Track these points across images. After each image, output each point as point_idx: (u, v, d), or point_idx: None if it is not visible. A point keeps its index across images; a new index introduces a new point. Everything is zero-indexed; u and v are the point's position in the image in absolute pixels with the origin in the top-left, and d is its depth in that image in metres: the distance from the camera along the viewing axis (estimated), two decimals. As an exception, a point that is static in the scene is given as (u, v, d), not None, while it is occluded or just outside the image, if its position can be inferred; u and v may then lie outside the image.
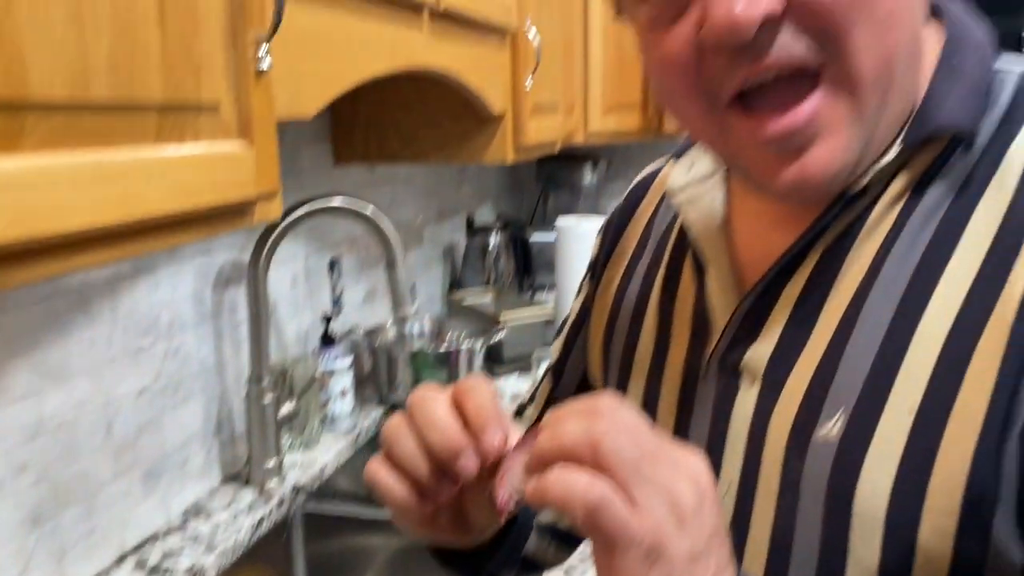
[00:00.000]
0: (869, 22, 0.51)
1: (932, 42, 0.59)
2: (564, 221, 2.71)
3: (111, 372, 1.24)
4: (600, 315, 0.79)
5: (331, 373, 1.72)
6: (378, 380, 1.90)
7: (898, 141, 0.57)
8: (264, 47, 0.80)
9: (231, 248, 1.51)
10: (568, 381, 0.86)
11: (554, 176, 3.43)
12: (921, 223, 0.56)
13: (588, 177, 3.40)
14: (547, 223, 3.04)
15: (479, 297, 2.50)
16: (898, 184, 0.58)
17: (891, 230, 0.57)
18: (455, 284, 2.70)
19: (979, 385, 0.51)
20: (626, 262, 0.78)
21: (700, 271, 0.68)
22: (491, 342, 2.01)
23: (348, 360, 1.76)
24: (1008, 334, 0.51)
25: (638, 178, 0.83)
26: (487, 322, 2.18)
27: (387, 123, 1.82)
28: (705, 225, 0.67)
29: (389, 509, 0.57)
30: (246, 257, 1.48)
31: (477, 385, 0.54)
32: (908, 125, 0.57)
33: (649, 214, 0.79)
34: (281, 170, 1.46)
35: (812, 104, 0.52)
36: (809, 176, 0.54)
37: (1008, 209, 0.54)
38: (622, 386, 0.74)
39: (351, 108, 1.81)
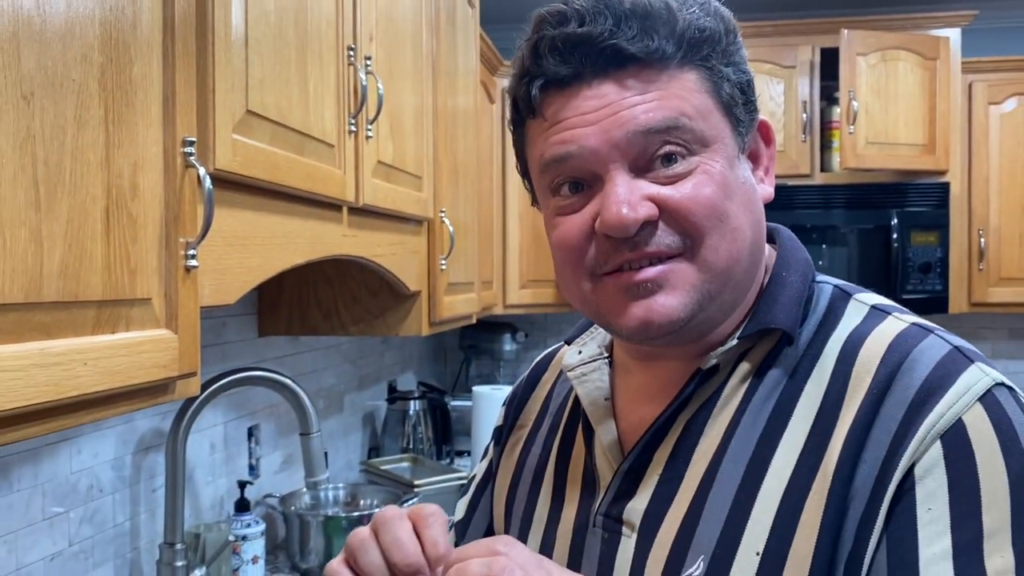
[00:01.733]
0: (720, 230, 0.69)
1: (767, 258, 0.77)
2: (480, 389, 2.85)
3: (27, 537, 1.29)
4: (505, 476, 0.91)
5: (244, 539, 1.77)
6: (290, 546, 1.95)
7: (737, 333, 0.73)
8: (193, 250, 0.94)
9: (153, 416, 1.60)
10: (473, 536, 0.96)
11: (476, 344, 3.59)
12: (761, 402, 0.71)
13: (508, 345, 3.58)
14: (469, 389, 3.16)
15: (396, 463, 2.57)
16: (744, 368, 0.73)
17: (739, 406, 0.72)
18: (374, 450, 2.77)
19: (808, 531, 0.65)
20: (528, 429, 0.91)
21: (590, 436, 0.81)
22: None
23: (261, 526, 1.81)
24: (828, 491, 0.65)
25: (538, 358, 0.98)
26: (402, 488, 2.26)
27: (309, 299, 1.96)
28: (593, 399, 0.81)
29: None
30: (167, 424, 1.57)
31: (434, 515, 0.65)
32: (746, 322, 0.74)
33: (548, 388, 0.93)
34: (207, 342, 1.57)
35: (668, 266, 0.69)
36: (653, 317, 0.69)
37: (824, 394, 0.69)
38: (522, 538, 0.84)
39: (276, 285, 1.95)
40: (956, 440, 0.62)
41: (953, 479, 0.61)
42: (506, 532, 0.89)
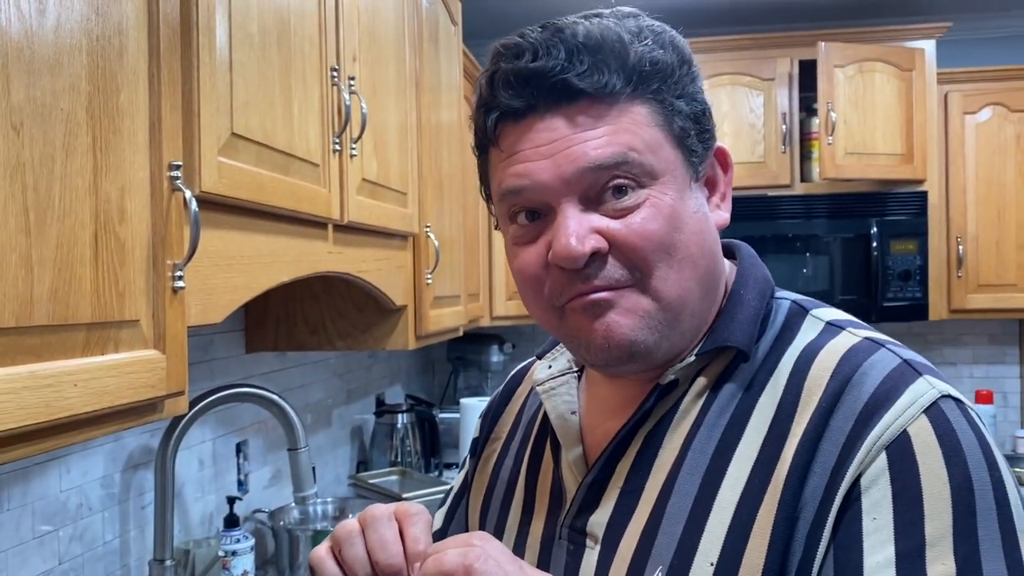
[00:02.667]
0: (668, 262, 0.71)
1: (727, 276, 0.79)
2: (468, 401, 2.87)
3: (16, 557, 1.30)
4: (479, 488, 0.93)
5: (233, 554, 1.78)
6: (280, 561, 1.96)
7: (695, 350, 0.75)
8: (180, 271, 0.96)
9: (141, 433, 1.61)
10: None
11: (464, 356, 3.61)
12: (717, 415, 0.73)
13: (496, 356, 3.60)
14: (457, 401, 3.18)
15: (385, 476, 2.59)
16: (700, 382, 0.75)
17: (695, 419, 0.74)
18: (363, 464, 2.79)
19: (760, 541, 0.67)
20: (502, 442, 0.94)
21: (557, 449, 0.83)
22: (392, 520, 2.09)
23: (251, 541, 1.82)
24: (778, 502, 0.67)
25: (513, 372, 1.00)
26: (390, 501, 2.27)
27: (296, 314, 1.98)
28: (560, 413, 0.83)
29: None
30: (156, 441, 1.58)
31: (418, 514, 0.68)
32: (703, 339, 0.76)
33: (521, 401, 0.95)
34: (195, 359, 1.59)
35: (619, 292, 0.71)
36: (613, 336, 0.71)
37: (778, 406, 0.71)
38: None
39: (262, 302, 1.97)
40: (901, 451, 0.64)
41: (897, 489, 0.63)
42: None
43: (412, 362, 3.49)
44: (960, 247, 3.21)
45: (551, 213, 0.72)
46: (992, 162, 3.20)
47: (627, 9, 0.75)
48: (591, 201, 0.71)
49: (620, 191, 0.70)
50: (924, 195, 3.14)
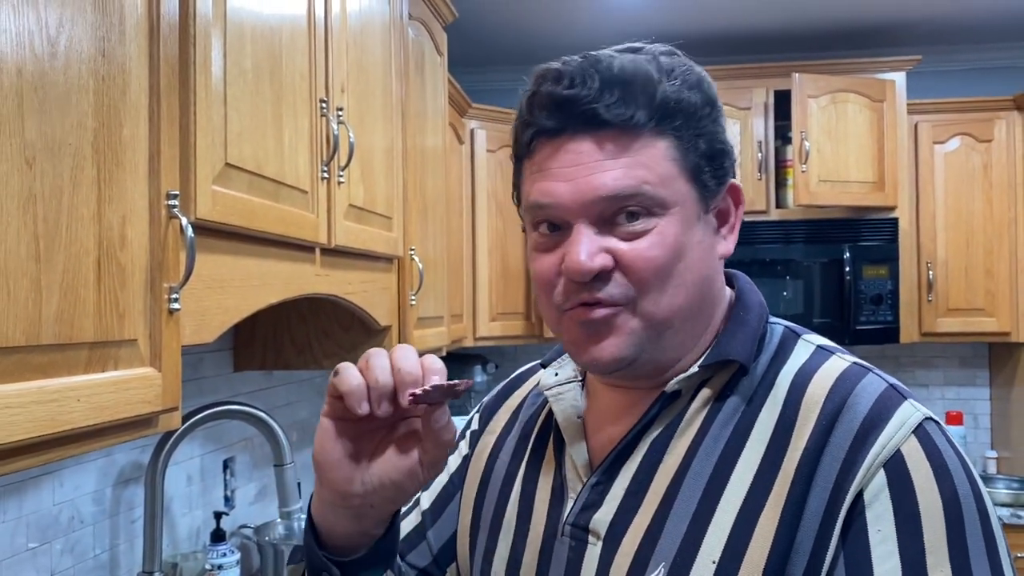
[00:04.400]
0: (662, 287, 0.78)
1: (727, 301, 0.87)
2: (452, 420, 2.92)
3: (8, 570, 1.35)
4: (474, 477, 0.98)
5: (220, 568, 1.83)
6: (265, 575, 2.00)
7: (699, 363, 0.82)
8: (176, 293, 1.03)
9: (132, 449, 1.66)
10: (443, 526, 0.99)
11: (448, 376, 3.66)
12: (721, 426, 0.80)
13: (479, 376, 3.65)
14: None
15: (369, 493, 2.63)
16: (705, 393, 0.82)
17: (700, 428, 0.81)
18: (347, 481, 2.83)
19: (762, 543, 0.73)
20: (496, 436, 0.99)
21: (560, 450, 0.89)
22: (375, 536, 2.14)
23: (237, 555, 1.87)
24: (781, 508, 0.74)
25: (516, 372, 1.06)
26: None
27: (283, 334, 2.03)
28: (567, 415, 0.89)
29: (335, 400, 0.74)
30: (146, 457, 1.63)
31: (438, 360, 0.76)
32: (707, 353, 0.83)
33: (519, 400, 1.01)
34: (185, 377, 1.66)
35: (614, 311, 0.78)
36: (600, 355, 0.79)
37: (779, 418, 0.78)
38: (491, 543, 0.91)
39: (251, 322, 2.02)
40: (897, 468, 0.72)
41: (896, 503, 0.71)
42: (473, 535, 0.95)
43: (396, 382, 3.53)
44: (930, 272, 3.30)
45: (569, 228, 0.79)
46: (960, 190, 3.30)
47: (663, 47, 0.82)
48: (605, 222, 0.78)
49: (632, 216, 0.77)
50: (895, 221, 3.24)
